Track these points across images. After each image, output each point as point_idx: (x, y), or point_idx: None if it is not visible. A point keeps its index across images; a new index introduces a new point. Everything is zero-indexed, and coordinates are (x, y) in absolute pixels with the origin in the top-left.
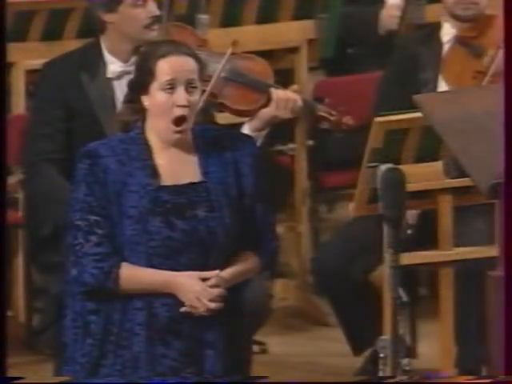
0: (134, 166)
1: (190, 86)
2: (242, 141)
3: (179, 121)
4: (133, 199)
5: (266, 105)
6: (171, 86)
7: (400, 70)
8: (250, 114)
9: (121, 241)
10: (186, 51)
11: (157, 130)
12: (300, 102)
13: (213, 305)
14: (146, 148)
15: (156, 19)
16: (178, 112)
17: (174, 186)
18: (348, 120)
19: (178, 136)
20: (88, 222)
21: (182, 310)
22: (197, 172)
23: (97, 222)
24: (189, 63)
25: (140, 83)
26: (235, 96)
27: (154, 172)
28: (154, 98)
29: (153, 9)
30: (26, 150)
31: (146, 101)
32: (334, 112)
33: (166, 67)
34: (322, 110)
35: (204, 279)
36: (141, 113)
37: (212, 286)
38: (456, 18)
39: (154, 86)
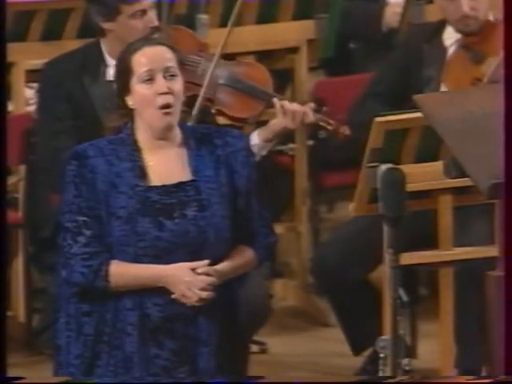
0: (122, 166)
1: (168, 75)
2: (232, 137)
3: (164, 108)
4: (122, 200)
5: (263, 112)
6: (150, 77)
7: (400, 66)
8: (247, 121)
9: (110, 241)
10: (158, 41)
11: (146, 123)
12: (311, 116)
13: (204, 294)
14: (135, 149)
15: (155, 29)
16: (162, 100)
17: (164, 186)
18: (345, 130)
19: (166, 119)
20: (76, 223)
21: (173, 296)
22: (187, 171)
23: (85, 222)
24: (163, 52)
25: (121, 84)
26: (233, 103)
27: (142, 172)
28: (136, 93)
29: (151, 19)
30: (43, 148)
31: (130, 100)
32: (331, 121)
33: (141, 59)
34: (319, 120)
35: (194, 269)
36: (128, 116)
37: (202, 275)
38: (459, 32)
39: (134, 81)
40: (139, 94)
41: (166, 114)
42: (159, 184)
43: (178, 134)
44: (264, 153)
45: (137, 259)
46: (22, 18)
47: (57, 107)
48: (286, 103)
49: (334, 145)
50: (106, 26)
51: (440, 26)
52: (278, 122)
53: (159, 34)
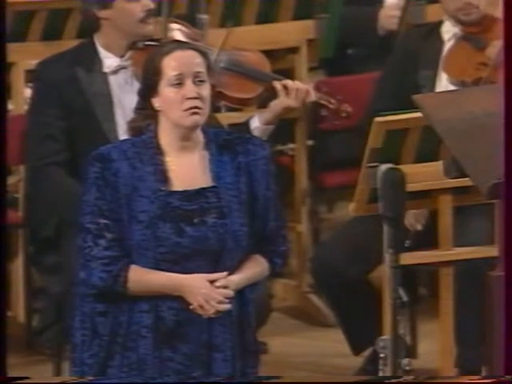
0: (145, 170)
1: (197, 80)
2: (254, 145)
3: (192, 109)
4: (143, 204)
5: (263, 94)
6: (179, 81)
7: (399, 68)
8: (247, 102)
9: (130, 245)
10: (190, 46)
11: (171, 123)
12: (312, 94)
13: (221, 306)
14: (158, 152)
15: (151, 12)
16: (189, 104)
17: (185, 191)
18: (347, 107)
19: (193, 119)
20: (98, 226)
21: (191, 307)
22: (208, 176)
23: (106, 225)
24: (194, 57)
25: (149, 85)
26: (233, 85)
27: (165, 177)
28: (164, 95)
29: (147, 2)
30: (30, 153)
31: (156, 102)
32: (333, 100)
33: (171, 63)
34: (321, 98)
35: (212, 281)
36: (153, 117)
37: (220, 288)
38: (459, 22)
39: (163, 84)
40: (167, 96)
41: (194, 113)
42: (180, 189)
43: (200, 137)
44: (265, 137)
45: (156, 264)
46: (21, 18)
47: (46, 111)
48: (289, 82)
49: (334, 144)
50: (103, 14)
51: (436, 25)
52: (279, 102)
53: (154, 19)
